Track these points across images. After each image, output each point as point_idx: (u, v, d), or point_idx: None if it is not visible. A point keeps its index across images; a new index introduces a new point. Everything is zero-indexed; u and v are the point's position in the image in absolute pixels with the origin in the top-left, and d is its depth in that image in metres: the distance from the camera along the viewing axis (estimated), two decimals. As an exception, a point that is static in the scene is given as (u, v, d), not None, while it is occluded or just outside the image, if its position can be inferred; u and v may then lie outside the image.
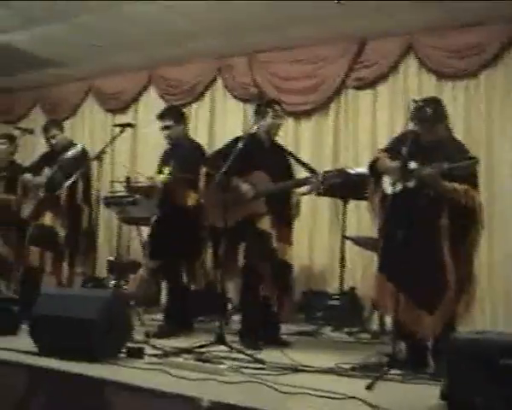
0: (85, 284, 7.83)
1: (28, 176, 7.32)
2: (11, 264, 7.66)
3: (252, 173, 5.87)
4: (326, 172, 5.76)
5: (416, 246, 4.62)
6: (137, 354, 4.77)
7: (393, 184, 4.77)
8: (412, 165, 4.74)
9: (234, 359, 4.78)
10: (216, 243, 5.99)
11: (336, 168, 5.85)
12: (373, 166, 5.08)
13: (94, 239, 7.17)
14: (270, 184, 5.81)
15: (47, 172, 7.16)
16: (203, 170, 5.99)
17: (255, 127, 5.99)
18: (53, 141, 7.32)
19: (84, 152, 7.06)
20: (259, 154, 5.96)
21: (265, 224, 5.74)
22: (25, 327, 5.26)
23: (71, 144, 7.27)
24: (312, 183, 5.76)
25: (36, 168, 7.37)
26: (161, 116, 6.68)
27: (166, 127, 6.57)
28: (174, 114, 6.69)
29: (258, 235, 5.73)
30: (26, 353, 4.65)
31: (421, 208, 4.67)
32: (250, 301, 5.87)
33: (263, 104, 6.12)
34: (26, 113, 11.46)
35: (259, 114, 6.03)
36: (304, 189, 5.95)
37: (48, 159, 7.35)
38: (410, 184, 4.72)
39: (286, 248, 5.82)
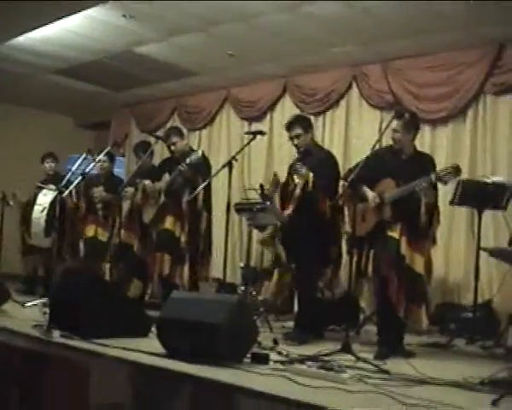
0: (219, 290, 7.96)
1: (147, 182, 7.54)
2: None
3: (381, 182, 5.84)
4: (439, 171, 5.53)
5: None
6: (262, 359, 4.77)
7: None
8: None
9: (359, 368, 4.72)
10: (359, 251, 6.03)
11: (450, 165, 5.59)
12: None
13: (210, 244, 7.36)
14: (393, 190, 5.75)
15: (167, 177, 7.36)
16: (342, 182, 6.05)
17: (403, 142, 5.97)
18: (173, 148, 7.51)
19: (204, 158, 7.23)
20: (394, 164, 5.93)
21: (394, 231, 5.69)
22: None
23: (190, 151, 7.44)
24: (426, 183, 5.54)
25: (156, 174, 7.57)
26: (289, 126, 6.71)
27: (296, 136, 6.60)
28: (302, 123, 6.70)
29: (386, 241, 5.69)
30: (154, 354, 4.74)
31: None
32: (383, 310, 5.83)
33: (411, 119, 6.03)
34: (164, 122, 11.80)
35: (409, 128, 5.96)
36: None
37: (168, 165, 7.56)
38: None
39: (416, 257, 5.69)
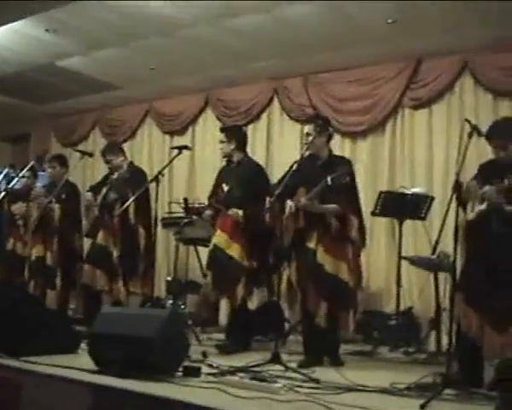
0: (144, 304, 7.94)
1: (88, 195, 7.53)
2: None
3: (298, 191, 5.89)
4: (334, 173, 5.51)
5: (496, 267, 4.67)
6: (194, 372, 4.81)
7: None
8: (486, 188, 4.75)
9: (289, 378, 4.81)
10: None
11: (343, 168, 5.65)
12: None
13: (152, 260, 7.28)
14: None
15: (103, 191, 7.37)
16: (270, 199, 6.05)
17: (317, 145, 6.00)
18: (109, 165, 7.51)
19: (133, 171, 7.33)
20: (309, 171, 5.92)
21: (311, 240, 5.76)
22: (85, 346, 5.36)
23: (128, 166, 7.46)
24: (322, 187, 5.56)
25: (97, 188, 7.57)
26: (224, 130, 6.96)
27: (226, 144, 6.77)
28: (237, 133, 6.89)
29: (304, 252, 5.77)
30: (85, 370, 4.74)
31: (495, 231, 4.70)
32: (303, 320, 5.99)
33: (323, 122, 6.12)
34: (85, 135, 11.75)
35: (321, 131, 5.98)
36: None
37: (107, 180, 7.55)
38: (483, 206, 4.75)
39: (337, 263, 5.70)
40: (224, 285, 6.53)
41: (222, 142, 6.84)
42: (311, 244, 5.75)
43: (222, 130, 7.11)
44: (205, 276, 6.83)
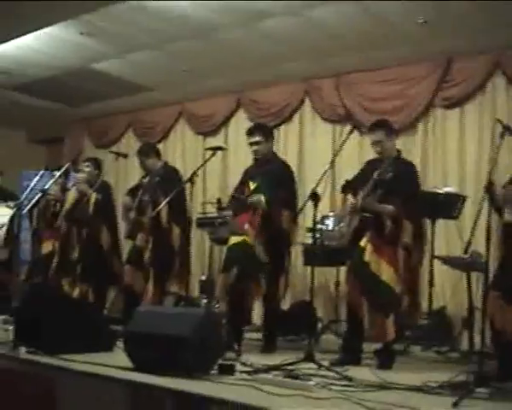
0: (178, 304, 8.02)
1: (127, 198, 7.63)
2: None
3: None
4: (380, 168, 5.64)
5: None
6: (229, 370, 4.87)
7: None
8: None
9: (322, 376, 4.83)
10: None
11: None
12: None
13: (187, 259, 7.35)
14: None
15: (139, 194, 7.45)
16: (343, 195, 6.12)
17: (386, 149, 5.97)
18: (142, 166, 7.60)
19: (164, 173, 7.39)
20: (371, 173, 5.86)
21: (363, 238, 5.76)
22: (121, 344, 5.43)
23: (161, 167, 7.54)
24: (372, 183, 5.64)
25: (134, 190, 7.65)
26: (251, 132, 6.81)
27: (255, 143, 6.68)
28: (263, 130, 6.80)
29: (355, 250, 5.80)
30: (121, 368, 4.81)
31: None
32: (347, 317, 6.02)
33: (391, 127, 6.14)
34: (119, 137, 11.89)
35: (390, 134, 6.00)
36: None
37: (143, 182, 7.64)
38: None
39: (382, 265, 5.61)
40: (245, 281, 6.42)
41: (258, 143, 6.67)
42: (362, 243, 5.74)
43: (258, 128, 6.87)
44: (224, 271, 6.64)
